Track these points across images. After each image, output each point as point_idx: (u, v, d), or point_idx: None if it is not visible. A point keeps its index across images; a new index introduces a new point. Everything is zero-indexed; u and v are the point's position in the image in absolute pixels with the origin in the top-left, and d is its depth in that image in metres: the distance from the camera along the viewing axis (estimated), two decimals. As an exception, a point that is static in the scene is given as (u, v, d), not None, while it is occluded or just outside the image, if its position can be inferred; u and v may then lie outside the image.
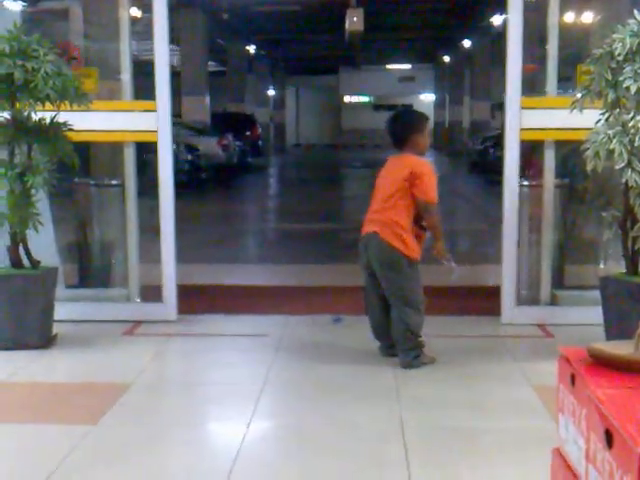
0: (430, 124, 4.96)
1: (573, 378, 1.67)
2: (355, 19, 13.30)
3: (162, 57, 5.53)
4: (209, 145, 18.28)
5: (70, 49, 5.92)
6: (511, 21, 5.34)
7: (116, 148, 5.93)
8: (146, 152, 6.11)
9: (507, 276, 5.54)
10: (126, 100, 5.70)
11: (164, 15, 5.45)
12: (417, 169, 4.54)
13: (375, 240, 4.54)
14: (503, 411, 4.02)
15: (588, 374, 1.63)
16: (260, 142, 26.21)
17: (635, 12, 4.43)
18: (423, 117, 4.87)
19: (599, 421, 1.45)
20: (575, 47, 6.19)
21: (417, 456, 3.41)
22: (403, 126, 4.77)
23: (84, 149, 6.00)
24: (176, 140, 17.11)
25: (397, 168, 4.59)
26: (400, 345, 4.60)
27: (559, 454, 1.78)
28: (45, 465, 3.32)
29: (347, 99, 42.24)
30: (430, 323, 5.51)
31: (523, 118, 5.37)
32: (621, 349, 1.70)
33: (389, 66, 39.20)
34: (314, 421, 3.87)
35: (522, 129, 5.38)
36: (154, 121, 5.51)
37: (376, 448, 3.53)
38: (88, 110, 5.03)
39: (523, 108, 5.37)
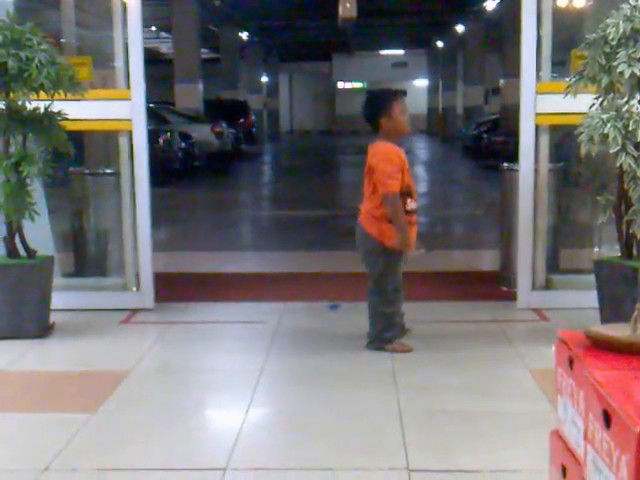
0: (406, 102, 4.56)
1: (571, 361, 1.69)
2: (348, 5, 13.27)
3: (136, 43, 5.52)
4: (202, 132, 18.25)
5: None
6: (525, 4, 5.35)
7: (111, 137, 5.92)
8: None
9: (522, 261, 5.58)
10: (120, 88, 5.69)
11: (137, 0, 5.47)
12: (373, 160, 4.45)
13: (358, 228, 4.62)
14: (500, 395, 4.04)
15: (586, 356, 1.65)
16: (254, 129, 26.16)
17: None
18: (390, 97, 4.56)
19: (597, 402, 1.47)
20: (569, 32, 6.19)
21: (415, 441, 3.43)
22: (369, 110, 4.57)
23: (79, 138, 6.00)
24: (169, 128, 17.23)
25: (367, 158, 4.52)
26: (369, 328, 4.68)
27: (558, 435, 1.81)
28: (45, 453, 3.34)
29: (340, 85, 42.16)
30: (426, 309, 5.57)
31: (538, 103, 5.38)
32: (618, 332, 1.72)
33: (382, 52, 39.14)
34: (312, 407, 3.89)
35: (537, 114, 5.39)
36: (128, 109, 5.52)
37: (374, 434, 3.55)
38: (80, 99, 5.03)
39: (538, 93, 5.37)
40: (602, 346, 1.69)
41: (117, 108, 5.55)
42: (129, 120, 5.54)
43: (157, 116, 17.81)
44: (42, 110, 5.00)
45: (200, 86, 21.08)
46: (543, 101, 5.35)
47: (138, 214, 5.63)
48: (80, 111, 5.25)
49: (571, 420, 1.66)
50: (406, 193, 4.46)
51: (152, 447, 3.46)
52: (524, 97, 5.42)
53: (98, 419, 3.74)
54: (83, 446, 3.45)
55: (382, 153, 4.46)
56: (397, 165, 4.42)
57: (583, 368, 1.59)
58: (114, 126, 5.69)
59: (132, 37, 5.51)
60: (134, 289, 5.76)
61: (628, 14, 4.35)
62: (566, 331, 1.78)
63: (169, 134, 16.42)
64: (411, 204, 4.49)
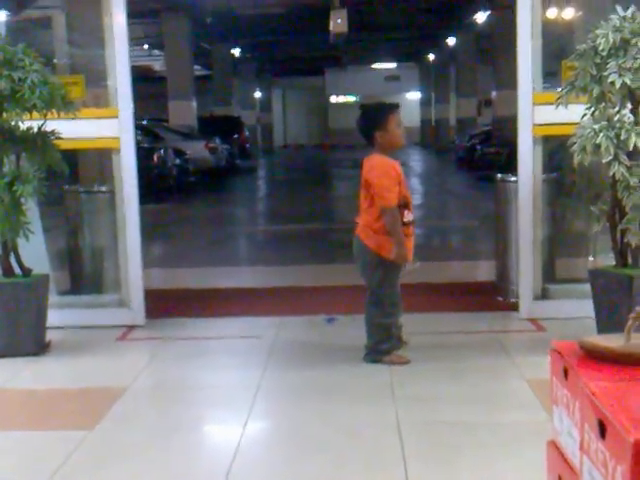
0: (400, 114, 4.58)
1: (566, 371, 1.70)
2: (339, 20, 13.31)
3: (123, 61, 5.55)
4: (197, 149, 18.27)
5: None
6: (520, 16, 5.37)
7: (105, 155, 5.93)
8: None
9: (523, 271, 5.60)
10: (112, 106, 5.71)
11: (123, 19, 5.50)
12: (370, 174, 4.48)
13: (355, 240, 4.63)
14: (498, 405, 4.04)
15: (580, 367, 1.65)
16: (248, 144, 26.21)
17: (617, 7, 4.47)
18: (385, 111, 4.58)
19: (592, 412, 1.48)
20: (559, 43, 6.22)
21: (414, 453, 3.43)
22: (364, 124, 4.60)
23: (74, 156, 6.01)
24: (164, 145, 17.25)
25: (363, 172, 4.55)
26: (367, 340, 4.69)
27: (554, 446, 1.81)
28: (42, 471, 3.33)
29: (334, 99, 42.24)
30: (422, 320, 5.57)
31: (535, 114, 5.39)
32: (611, 342, 1.73)
33: (375, 65, 39.25)
34: (310, 422, 3.88)
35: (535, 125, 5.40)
36: (117, 127, 5.55)
37: (373, 447, 3.55)
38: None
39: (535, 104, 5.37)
40: (596, 356, 1.70)
41: (107, 126, 5.57)
42: (118, 138, 5.56)
43: (151, 133, 17.86)
44: (35, 130, 5.01)
45: (193, 103, 21.12)
46: (540, 112, 5.36)
47: (128, 231, 5.65)
48: (71, 130, 5.26)
49: (567, 430, 1.67)
50: (403, 205, 4.49)
51: (150, 464, 3.45)
52: (521, 108, 5.43)
53: (95, 436, 3.74)
54: (81, 464, 3.44)
55: (378, 167, 4.49)
56: (394, 178, 4.46)
57: (578, 379, 1.59)
58: (104, 144, 5.71)
59: (119, 55, 5.53)
60: (131, 305, 5.75)
61: (617, 25, 4.38)
62: (560, 342, 1.79)
63: (163, 151, 16.44)
64: (408, 216, 4.52)
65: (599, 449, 1.44)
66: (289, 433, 3.79)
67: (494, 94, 19.50)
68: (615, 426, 1.36)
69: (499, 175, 6.38)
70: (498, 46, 18.65)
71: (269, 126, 37.08)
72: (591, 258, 5.93)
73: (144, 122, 18.56)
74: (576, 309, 5.31)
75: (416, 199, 14.17)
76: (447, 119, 32.04)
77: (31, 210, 5.23)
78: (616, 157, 4.33)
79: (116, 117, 5.55)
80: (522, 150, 5.50)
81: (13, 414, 4.11)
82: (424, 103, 37.77)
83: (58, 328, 5.38)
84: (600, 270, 4.80)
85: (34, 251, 5.33)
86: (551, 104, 4.78)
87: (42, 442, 3.70)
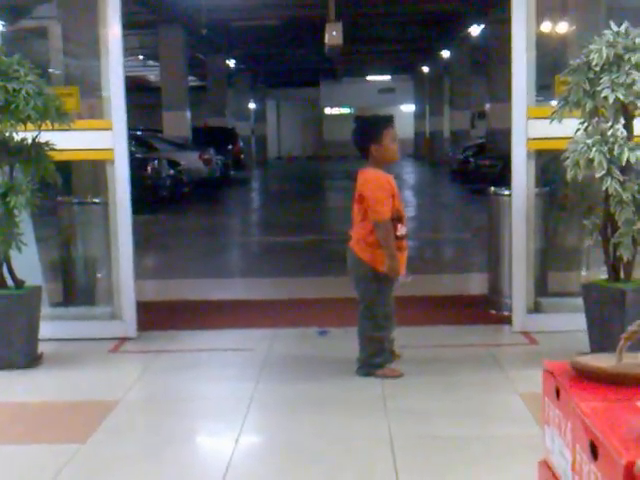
0: (395, 128, 4.61)
1: (558, 391, 1.69)
2: (334, 33, 13.33)
3: (117, 73, 5.55)
4: (191, 160, 18.25)
5: None
6: (514, 30, 5.39)
7: (99, 166, 5.93)
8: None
9: (516, 285, 5.60)
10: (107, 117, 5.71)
11: (119, 30, 5.51)
12: (363, 188, 4.50)
13: (349, 253, 4.65)
14: (491, 419, 4.04)
15: (572, 387, 1.65)
16: (242, 155, 26.18)
17: (611, 23, 4.49)
18: (381, 125, 4.60)
19: (584, 433, 1.48)
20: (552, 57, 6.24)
21: (406, 467, 3.42)
22: (359, 137, 4.62)
23: (68, 167, 6.00)
24: (158, 155, 17.22)
25: (358, 185, 4.57)
26: (359, 353, 4.68)
27: (546, 465, 1.81)
28: (34, 486, 3.32)
29: (328, 111, 42.32)
30: (415, 333, 5.56)
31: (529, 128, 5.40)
32: (603, 362, 1.72)
33: (369, 77, 39.36)
34: (303, 434, 3.88)
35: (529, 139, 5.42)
36: (111, 139, 5.55)
37: (365, 460, 3.54)
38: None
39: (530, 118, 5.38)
40: (588, 377, 1.70)
41: (101, 138, 5.57)
42: (112, 149, 5.56)
43: (145, 144, 17.84)
44: (29, 141, 5.01)
45: (188, 113, 21.10)
46: (534, 126, 5.37)
47: (121, 242, 5.64)
48: (65, 141, 5.26)
49: (559, 451, 1.67)
50: (396, 219, 4.50)
51: (143, 477, 3.43)
52: (515, 122, 5.45)
53: (87, 449, 3.72)
54: (73, 477, 3.42)
55: (372, 180, 4.51)
56: (387, 191, 4.48)
57: (569, 399, 1.59)
58: (98, 156, 5.71)
59: (113, 66, 5.53)
60: (123, 317, 5.73)
61: (611, 40, 4.40)
62: (552, 362, 1.79)
63: (157, 162, 16.42)
64: (401, 229, 4.53)
65: (591, 470, 1.44)
66: (282, 445, 3.78)
67: (488, 107, 19.56)
68: (607, 448, 1.35)
69: (492, 188, 6.39)
70: (492, 59, 18.72)
71: (263, 137, 37.10)
72: (584, 272, 5.94)
73: (138, 132, 18.55)
74: (568, 322, 5.33)
75: (410, 211, 14.19)
76: (441, 131, 32.09)
77: (24, 221, 5.21)
78: (609, 172, 4.35)
79: (110, 129, 5.56)
80: (516, 163, 5.52)
81: (5, 428, 4.09)
82: (418, 115, 37.83)
83: (50, 340, 5.36)
84: (593, 284, 4.80)
85: (27, 262, 5.31)
86: (545, 118, 4.80)
87: (34, 456, 3.69)
